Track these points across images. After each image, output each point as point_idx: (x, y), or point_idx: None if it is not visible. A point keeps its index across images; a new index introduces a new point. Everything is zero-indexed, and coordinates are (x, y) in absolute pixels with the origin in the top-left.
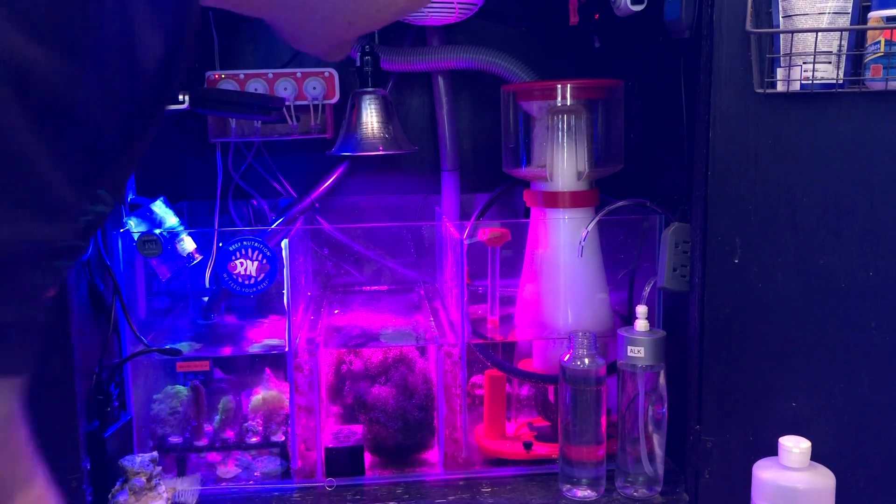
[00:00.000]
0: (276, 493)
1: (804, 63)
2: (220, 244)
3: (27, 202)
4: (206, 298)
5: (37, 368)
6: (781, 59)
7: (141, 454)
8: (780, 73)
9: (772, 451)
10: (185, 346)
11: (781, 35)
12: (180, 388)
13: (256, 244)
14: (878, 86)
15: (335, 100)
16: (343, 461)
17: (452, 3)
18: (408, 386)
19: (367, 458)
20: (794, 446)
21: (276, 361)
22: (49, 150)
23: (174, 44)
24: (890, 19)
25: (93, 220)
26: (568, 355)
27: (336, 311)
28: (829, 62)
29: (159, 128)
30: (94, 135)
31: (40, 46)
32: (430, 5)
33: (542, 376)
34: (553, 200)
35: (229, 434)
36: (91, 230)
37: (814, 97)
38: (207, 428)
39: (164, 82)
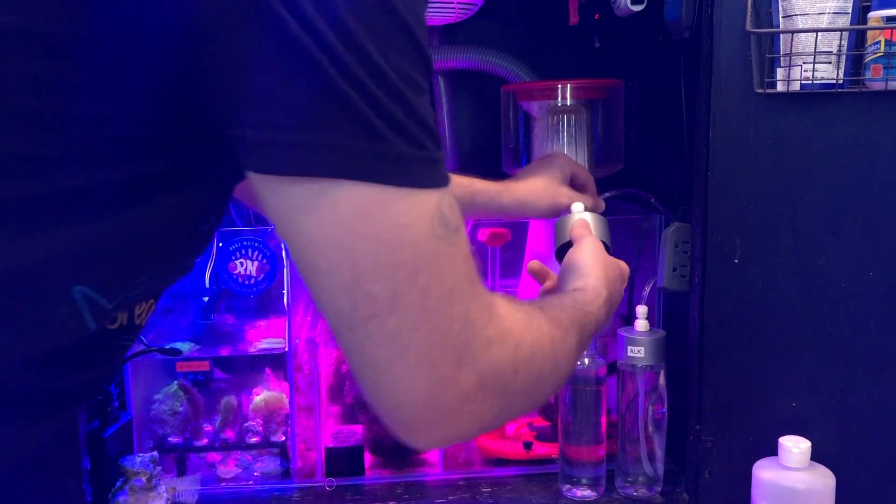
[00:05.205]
0: (276, 493)
1: (804, 63)
2: (220, 244)
3: None
4: (206, 298)
5: None
6: (781, 59)
7: (141, 454)
8: (780, 73)
9: (772, 451)
10: (185, 346)
11: (781, 35)
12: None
13: (256, 244)
14: (878, 86)
15: None
16: (343, 461)
17: (452, 3)
18: None
19: (367, 458)
20: (794, 446)
21: (276, 361)
22: None
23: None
24: (890, 19)
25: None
26: None
27: None
28: (829, 62)
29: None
30: None
31: None
32: (430, 5)
33: None
34: None
35: (229, 434)
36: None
37: (814, 97)
38: (207, 428)
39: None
